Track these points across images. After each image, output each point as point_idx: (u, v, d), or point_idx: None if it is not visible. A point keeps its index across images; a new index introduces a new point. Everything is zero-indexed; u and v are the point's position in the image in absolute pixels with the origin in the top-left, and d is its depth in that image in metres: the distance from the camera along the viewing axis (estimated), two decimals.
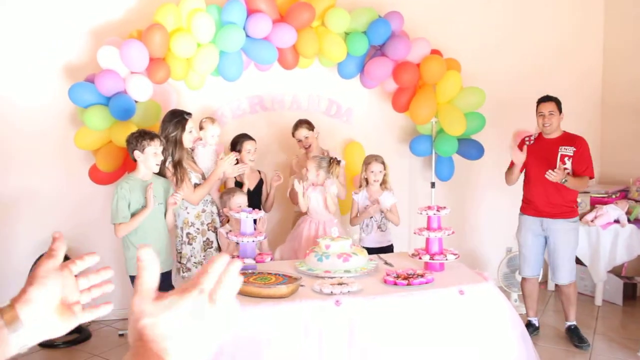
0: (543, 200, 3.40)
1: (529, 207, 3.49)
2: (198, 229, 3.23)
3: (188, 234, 3.20)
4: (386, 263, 2.83)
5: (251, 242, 2.71)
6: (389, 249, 3.42)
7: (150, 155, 2.88)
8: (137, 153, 2.90)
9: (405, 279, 2.46)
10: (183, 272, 3.22)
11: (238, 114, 4.02)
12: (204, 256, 3.23)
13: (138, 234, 2.91)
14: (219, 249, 3.24)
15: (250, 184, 3.48)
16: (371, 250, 3.19)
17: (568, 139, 3.40)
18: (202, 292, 0.57)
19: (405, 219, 3.67)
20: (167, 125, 3.09)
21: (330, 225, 3.22)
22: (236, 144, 3.51)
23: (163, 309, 0.56)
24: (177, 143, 3.08)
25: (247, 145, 3.47)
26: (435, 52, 4.09)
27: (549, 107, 3.32)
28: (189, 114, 3.19)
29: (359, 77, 4.14)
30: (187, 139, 3.18)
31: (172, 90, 3.80)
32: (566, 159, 3.34)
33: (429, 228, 2.76)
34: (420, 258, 2.73)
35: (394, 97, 4.15)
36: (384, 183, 3.43)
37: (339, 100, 4.18)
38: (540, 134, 3.47)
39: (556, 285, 3.60)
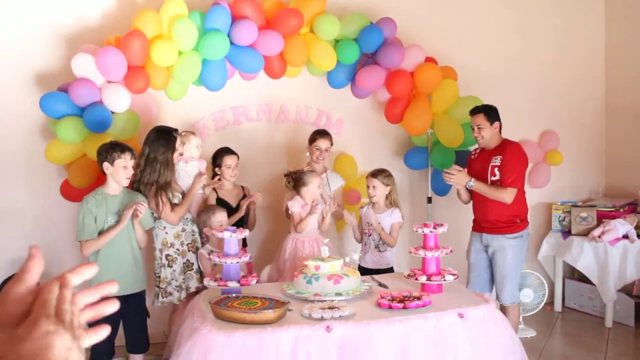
0: (480, 214, 3.41)
1: (474, 222, 3.51)
2: (178, 249, 3.19)
3: (167, 255, 3.16)
4: (380, 285, 2.81)
5: (235, 263, 2.66)
6: (387, 272, 3.36)
7: (120, 169, 2.85)
8: (106, 165, 2.86)
9: (400, 301, 2.44)
10: (163, 297, 3.16)
11: (222, 125, 4.02)
12: (183, 279, 3.17)
13: (100, 253, 2.85)
14: (200, 271, 3.19)
15: (232, 200, 3.45)
16: (368, 272, 3.15)
17: (501, 148, 3.36)
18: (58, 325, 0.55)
19: (401, 238, 3.64)
20: (157, 146, 3.07)
21: (319, 244, 3.19)
22: (216, 159, 3.50)
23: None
24: (168, 164, 3.06)
25: (227, 160, 3.45)
26: (430, 59, 4.10)
27: (476, 120, 3.31)
28: (177, 131, 3.18)
29: (349, 86, 4.15)
30: (176, 158, 3.18)
31: (151, 101, 3.77)
32: (496, 169, 3.32)
33: (425, 247, 2.75)
34: (416, 279, 2.70)
35: (387, 107, 4.15)
36: (390, 199, 3.44)
37: (329, 111, 4.19)
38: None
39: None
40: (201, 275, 3.15)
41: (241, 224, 3.43)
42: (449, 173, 3.21)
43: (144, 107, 3.69)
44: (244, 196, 3.56)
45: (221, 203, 3.44)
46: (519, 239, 3.28)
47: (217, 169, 3.46)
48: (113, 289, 0.66)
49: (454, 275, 2.69)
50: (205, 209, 3.25)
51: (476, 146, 3.56)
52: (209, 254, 2.93)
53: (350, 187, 4.07)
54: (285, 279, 3.12)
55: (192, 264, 3.24)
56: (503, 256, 3.26)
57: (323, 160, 3.67)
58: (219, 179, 3.40)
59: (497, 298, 3.38)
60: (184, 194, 3.26)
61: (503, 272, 3.28)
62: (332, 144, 3.73)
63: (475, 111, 3.32)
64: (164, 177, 3.02)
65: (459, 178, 3.19)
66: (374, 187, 3.41)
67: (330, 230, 3.71)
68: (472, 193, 3.45)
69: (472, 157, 3.48)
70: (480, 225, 3.39)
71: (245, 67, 3.75)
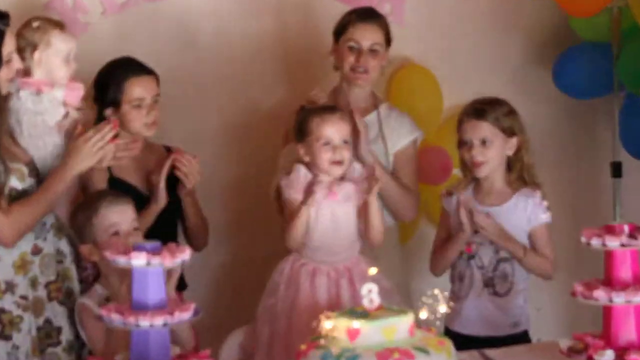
0: None
1: None
2: (25, 298, 1.95)
3: (1, 310, 1.93)
4: None
5: (161, 326, 1.61)
6: (516, 339, 2.13)
7: None
8: None
9: None
10: None
11: (116, 4, 2.53)
12: None
13: None
14: (82, 346, 1.99)
15: (143, 180, 2.19)
16: (471, 343, 2.04)
17: None
18: None
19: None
20: None
21: (356, 276, 2.00)
22: (106, 86, 2.11)
23: None
24: None
25: (133, 89, 2.10)
26: None
27: None
28: (7, 18, 1.89)
29: None
30: (4, 77, 1.86)
31: None
32: None
33: (611, 281, 1.74)
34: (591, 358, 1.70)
35: None
36: (518, 171, 2.14)
37: None
38: None
39: None
40: (81, 357, 2.01)
41: (172, 232, 2.20)
42: None
43: None
44: (173, 170, 2.18)
45: (120, 187, 2.13)
46: None
47: (108, 111, 2.11)
48: None
49: None
50: (85, 202, 2.04)
51: None
52: (100, 308, 1.80)
53: (429, 143, 2.64)
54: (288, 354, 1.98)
55: (60, 329, 2.02)
56: None
57: (367, 78, 2.29)
58: (116, 134, 1.97)
59: None
60: (35, 169, 2.00)
61: None
62: (388, 41, 2.35)
63: None
64: None
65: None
66: (481, 142, 2.08)
67: (385, 244, 2.20)
68: None
69: None
70: None
71: None
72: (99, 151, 1.93)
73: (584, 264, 2.38)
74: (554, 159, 2.89)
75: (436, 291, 1.78)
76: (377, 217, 1.97)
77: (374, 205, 1.96)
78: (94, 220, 1.90)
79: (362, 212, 1.98)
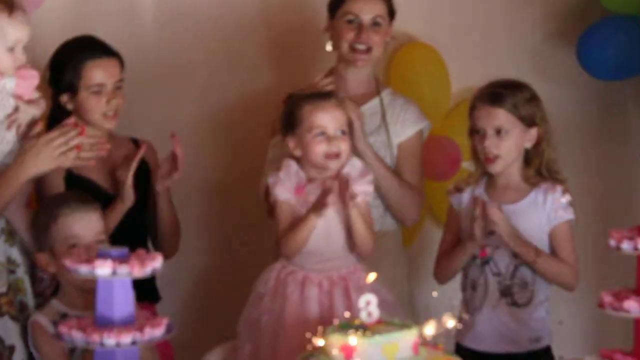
0: None
1: None
2: None
3: None
4: None
5: (129, 346, 1.53)
6: (537, 356, 2.02)
7: None
8: None
9: None
10: None
11: None
12: None
13: None
14: None
15: (107, 178, 2.05)
16: (487, 359, 2.02)
17: None
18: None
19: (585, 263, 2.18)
20: None
21: (358, 287, 1.83)
22: (63, 71, 1.95)
23: None
24: None
25: (94, 74, 1.94)
26: None
27: None
28: None
29: None
30: None
31: None
32: None
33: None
34: None
35: None
36: (537, 166, 1.98)
37: None
38: None
39: None
40: None
41: (141, 236, 2.07)
42: None
43: None
44: (145, 164, 2.06)
45: (81, 185, 2.00)
46: None
47: (64, 97, 1.96)
48: None
49: None
50: (47, 205, 1.92)
51: None
52: (55, 325, 1.70)
53: (435, 132, 2.44)
54: None
55: (12, 348, 1.87)
56: None
57: (368, 57, 2.11)
58: (80, 127, 1.86)
59: None
60: None
61: None
62: (392, 13, 2.17)
63: None
64: None
65: None
66: (496, 131, 1.91)
67: (387, 250, 2.11)
68: None
69: None
70: None
71: None
72: (60, 156, 1.82)
73: (613, 270, 2.27)
74: (578, 149, 2.73)
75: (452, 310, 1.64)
76: (361, 224, 1.80)
77: (354, 215, 1.79)
78: (52, 227, 1.79)
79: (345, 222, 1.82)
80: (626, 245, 1.49)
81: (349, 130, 1.83)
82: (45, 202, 1.93)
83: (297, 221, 1.80)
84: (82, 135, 1.80)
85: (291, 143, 1.79)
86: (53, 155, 1.80)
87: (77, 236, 1.75)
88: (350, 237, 1.80)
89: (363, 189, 1.80)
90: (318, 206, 1.73)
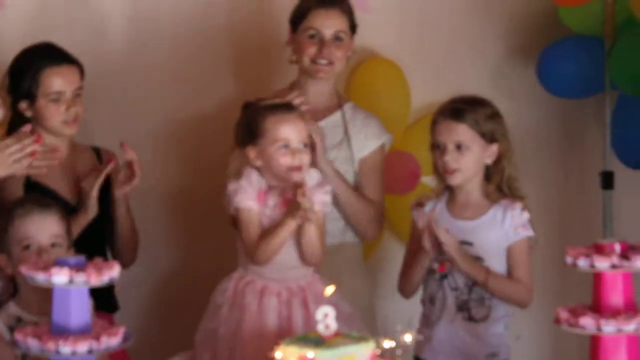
0: None
1: None
2: None
3: None
4: None
5: (84, 355, 1.53)
6: None
7: None
8: None
9: None
10: None
11: None
12: None
13: None
14: None
15: (68, 187, 2.04)
16: None
17: None
18: None
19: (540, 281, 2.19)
20: None
21: (316, 298, 1.84)
22: (22, 79, 1.95)
23: None
24: None
25: (53, 82, 1.95)
26: None
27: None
28: None
29: None
30: None
31: None
32: None
33: (600, 308, 1.62)
34: None
35: None
36: (497, 182, 2.02)
37: None
38: None
39: None
40: None
41: (100, 245, 2.06)
42: None
43: None
44: (108, 179, 2.02)
45: (43, 194, 1.99)
46: None
47: (23, 104, 1.96)
48: None
49: None
50: (5, 207, 1.94)
51: None
52: (10, 332, 1.75)
53: (394, 147, 2.44)
54: None
55: None
56: None
57: (330, 70, 2.12)
58: (36, 135, 1.86)
59: None
60: None
61: None
62: (353, 27, 2.18)
63: None
64: None
65: None
66: (456, 146, 1.96)
67: (346, 260, 2.13)
68: None
69: None
70: None
71: None
72: (14, 163, 1.83)
73: (572, 286, 2.25)
74: (536, 167, 2.71)
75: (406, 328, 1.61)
76: (311, 234, 1.80)
77: (306, 224, 1.80)
78: (9, 229, 1.78)
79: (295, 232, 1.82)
80: (582, 263, 1.53)
81: (310, 144, 1.85)
82: (5, 205, 1.91)
83: (273, 227, 1.80)
84: (38, 143, 1.79)
85: (252, 153, 1.78)
86: (7, 162, 1.80)
87: (31, 237, 1.75)
88: (300, 245, 1.81)
89: (320, 199, 1.81)
90: (294, 209, 1.74)
